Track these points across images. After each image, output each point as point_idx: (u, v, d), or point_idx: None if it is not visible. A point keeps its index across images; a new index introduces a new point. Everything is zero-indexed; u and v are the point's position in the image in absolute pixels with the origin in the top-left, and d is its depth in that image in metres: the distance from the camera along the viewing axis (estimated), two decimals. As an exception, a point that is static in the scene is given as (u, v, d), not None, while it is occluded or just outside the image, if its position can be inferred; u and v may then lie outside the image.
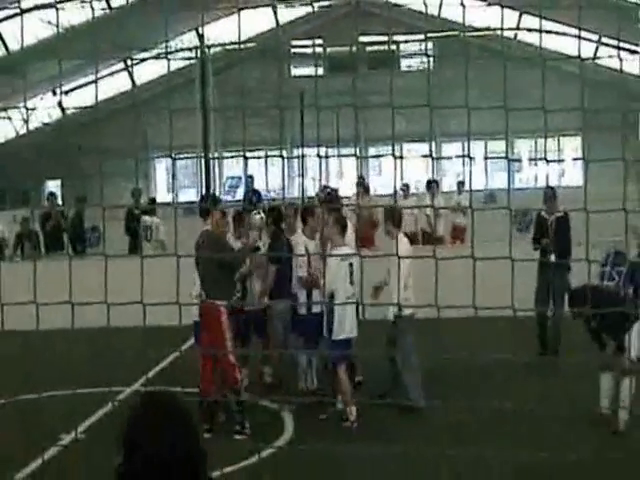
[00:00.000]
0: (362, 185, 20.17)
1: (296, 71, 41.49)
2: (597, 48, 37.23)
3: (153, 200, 24.58)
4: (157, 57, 35.34)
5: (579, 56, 27.30)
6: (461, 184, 22.02)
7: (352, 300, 9.78)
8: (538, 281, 12.31)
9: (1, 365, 12.21)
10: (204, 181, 16.04)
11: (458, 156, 37.70)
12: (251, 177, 23.97)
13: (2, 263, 16.12)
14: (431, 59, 39.54)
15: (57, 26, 27.08)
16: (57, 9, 24.45)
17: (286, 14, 40.08)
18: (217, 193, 24.48)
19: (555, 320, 12.24)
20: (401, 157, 26.00)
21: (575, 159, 39.03)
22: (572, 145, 40.69)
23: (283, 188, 33.63)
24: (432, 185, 19.93)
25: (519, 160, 40.18)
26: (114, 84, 37.77)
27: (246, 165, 34.76)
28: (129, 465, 2.71)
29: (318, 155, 29.02)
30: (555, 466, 7.85)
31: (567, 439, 8.83)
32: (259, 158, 36.97)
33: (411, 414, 9.88)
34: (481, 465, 7.92)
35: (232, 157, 37.91)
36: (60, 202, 23.96)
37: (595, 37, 36.53)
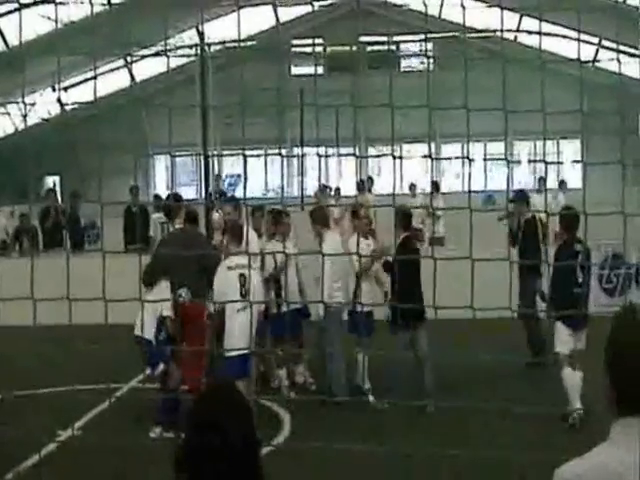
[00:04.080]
0: (362, 184, 20.22)
1: (296, 70, 41.51)
2: (597, 51, 37.28)
3: (157, 197, 24.49)
4: (157, 54, 35.34)
5: (579, 59, 27.29)
6: (563, 183, 21.19)
7: (244, 313, 8.97)
8: (520, 285, 12.10)
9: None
10: (203, 179, 15.96)
11: (457, 157, 37.65)
12: (219, 176, 23.74)
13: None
14: (431, 60, 39.54)
15: (56, 22, 27.04)
16: (56, 4, 24.38)
17: (286, 13, 40.10)
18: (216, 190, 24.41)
19: (532, 322, 12.02)
20: (400, 157, 26.05)
21: (574, 161, 39.02)
22: (572, 148, 40.70)
23: (282, 187, 33.62)
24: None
25: (518, 162, 40.16)
26: (114, 81, 37.76)
27: (245, 163, 34.74)
28: (189, 449, 2.80)
29: (318, 154, 29.04)
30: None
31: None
32: (258, 156, 36.92)
33: (337, 406, 9.97)
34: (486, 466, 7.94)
35: (231, 155, 37.85)
36: (59, 198, 23.90)
37: (595, 40, 36.59)
